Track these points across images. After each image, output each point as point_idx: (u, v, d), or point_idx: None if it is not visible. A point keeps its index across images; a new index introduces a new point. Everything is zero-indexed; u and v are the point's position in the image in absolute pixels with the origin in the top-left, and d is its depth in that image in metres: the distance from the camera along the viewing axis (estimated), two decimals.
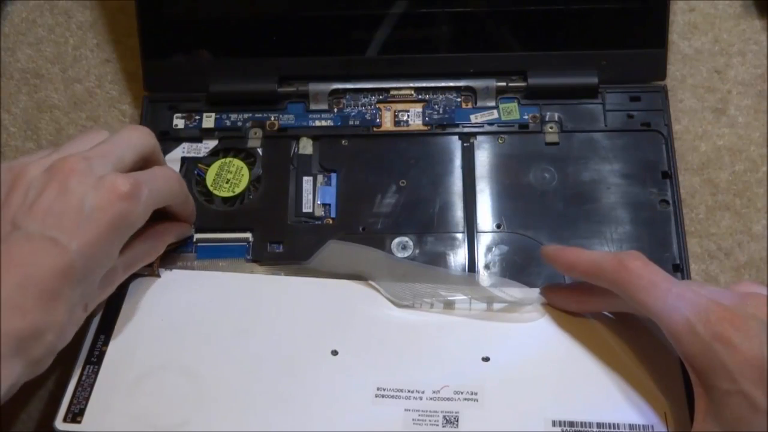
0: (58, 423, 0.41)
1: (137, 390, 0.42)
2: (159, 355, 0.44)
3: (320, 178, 0.52)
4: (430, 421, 0.41)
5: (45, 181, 0.39)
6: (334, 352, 0.44)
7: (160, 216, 0.45)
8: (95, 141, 0.42)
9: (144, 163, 0.44)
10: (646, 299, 0.38)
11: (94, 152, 0.41)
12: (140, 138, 0.43)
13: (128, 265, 0.44)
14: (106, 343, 0.44)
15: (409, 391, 0.42)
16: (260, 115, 0.54)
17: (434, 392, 0.42)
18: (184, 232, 0.48)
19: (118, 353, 0.43)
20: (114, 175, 0.40)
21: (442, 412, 0.41)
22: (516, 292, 0.45)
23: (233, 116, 0.54)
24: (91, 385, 0.42)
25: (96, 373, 0.43)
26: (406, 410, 0.41)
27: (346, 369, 0.43)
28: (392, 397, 0.42)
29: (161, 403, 0.42)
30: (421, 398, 0.42)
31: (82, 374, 0.42)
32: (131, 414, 0.41)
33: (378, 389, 0.42)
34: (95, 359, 0.43)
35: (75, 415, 0.41)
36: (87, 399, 0.42)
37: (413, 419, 0.41)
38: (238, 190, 0.51)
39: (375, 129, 0.53)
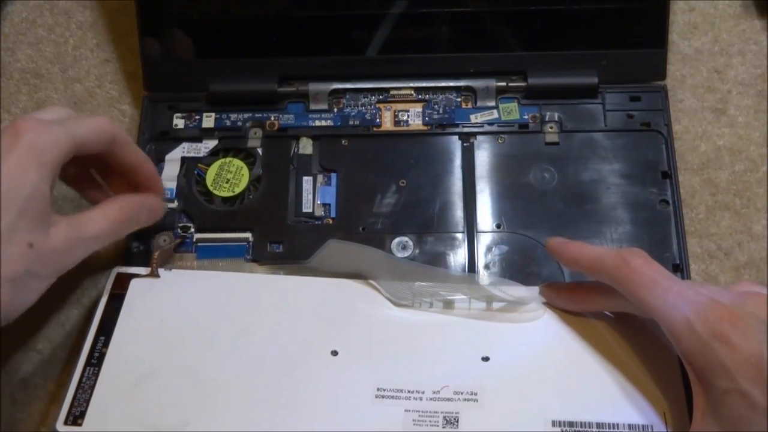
0: (59, 426, 0.41)
1: (138, 392, 0.42)
2: (159, 357, 0.44)
3: (320, 178, 0.52)
4: (430, 421, 0.41)
5: None
6: (334, 353, 0.44)
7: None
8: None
9: (106, 148, 0.44)
10: (646, 297, 0.38)
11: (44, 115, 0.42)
12: (96, 121, 0.43)
13: (78, 220, 0.43)
14: (106, 345, 0.44)
15: (409, 392, 0.42)
16: (260, 115, 0.54)
17: (434, 392, 0.42)
18: (152, 205, 0.47)
19: (119, 355, 0.43)
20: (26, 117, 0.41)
21: (442, 412, 0.41)
22: (516, 291, 0.45)
23: (233, 116, 0.54)
24: (92, 388, 0.42)
25: (96, 375, 0.42)
26: (406, 411, 0.42)
27: (346, 369, 0.43)
28: (392, 397, 0.42)
29: (162, 404, 0.42)
30: (421, 398, 0.42)
31: (82, 376, 0.42)
32: (132, 416, 0.41)
33: (378, 389, 0.42)
34: (95, 361, 0.43)
35: (76, 417, 0.41)
36: (87, 401, 0.42)
37: (413, 420, 0.41)
38: (238, 190, 0.51)
39: (375, 129, 0.53)
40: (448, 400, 0.42)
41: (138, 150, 0.46)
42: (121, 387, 0.42)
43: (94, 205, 0.45)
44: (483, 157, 0.52)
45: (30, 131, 0.40)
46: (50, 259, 0.41)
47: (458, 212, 0.50)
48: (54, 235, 0.41)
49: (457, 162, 0.52)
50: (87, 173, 0.47)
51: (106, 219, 0.44)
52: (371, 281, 0.46)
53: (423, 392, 0.42)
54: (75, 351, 0.43)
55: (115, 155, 0.45)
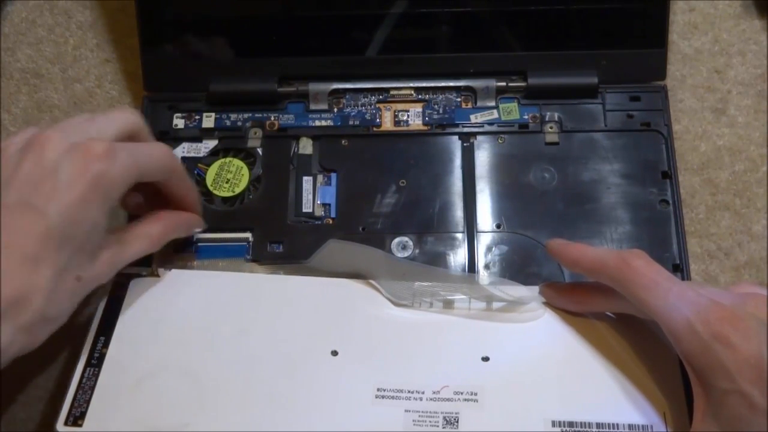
0: (59, 426, 0.41)
1: (138, 392, 0.42)
2: (159, 357, 0.43)
3: (320, 178, 0.52)
4: (430, 422, 0.41)
5: (22, 154, 0.39)
6: (334, 353, 0.44)
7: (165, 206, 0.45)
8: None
9: (129, 140, 0.43)
10: (646, 298, 0.38)
11: (70, 125, 0.41)
12: (123, 114, 0.43)
13: (123, 242, 0.42)
14: (106, 345, 0.44)
15: (409, 392, 0.42)
16: (260, 115, 0.54)
17: (434, 393, 0.42)
18: (191, 223, 0.47)
19: (119, 355, 0.43)
20: (89, 139, 0.40)
21: (442, 412, 0.41)
22: (515, 291, 0.45)
23: (233, 116, 0.54)
24: (92, 388, 0.42)
25: (96, 376, 0.42)
26: (406, 411, 0.41)
27: (346, 369, 0.43)
28: (392, 397, 0.42)
29: (162, 404, 0.42)
30: (421, 399, 0.42)
31: (82, 377, 0.42)
32: (132, 416, 0.41)
33: (378, 390, 0.42)
34: (95, 361, 0.43)
35: (76, 418, 0.41)
36: (88, 402, 0.42)
37: (413, 420, 0.41)
38: (238, 190, 0.51)
39: (375, 129, 0.53)
40: (448, 400, 0.42)
41: (190, 181, 0.46)
42: (122, 387, 0.42)
43: (136, 221, 0.44)
44: (483, 157, 0.52)
45: (100, 161, 0.39)
46: (90, 286, 0.41)
47: (458, 212, 0.50)
48: (99, 262, 0.41)
49: (457, 162, 0.52)
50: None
51: (149, 239, 0.44)
52: (371, 281, 0.46)
53: (423, 392, 0.42)
54: (75, 351, 0.43)
55: (168, 185, 0.44)
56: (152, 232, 0.44)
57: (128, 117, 0.43)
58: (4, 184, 0.38)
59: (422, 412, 0.41)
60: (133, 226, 0.44)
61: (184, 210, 0.46)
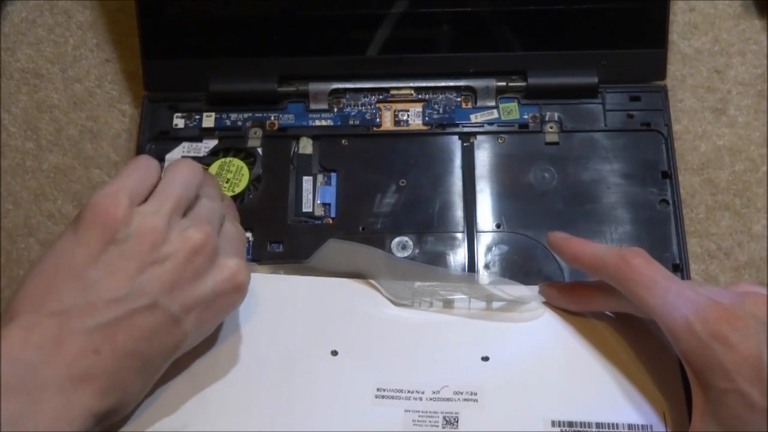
0: None
1: None
2: None
3: (320, 177, 0.52)
4: (430, 422, 0.41)
5: (181, 257, 0.37)
6: (334, 353, 0.44)
7: None
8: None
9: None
10: (645, 296, 0.38)
11: (210, 216, 0.40)
12: (202, 181, 0.42)
13: None
14: None
15: (409, 392, 0.42)
16: (260, 115, 0.54)
17: (434, 392, 0.42)
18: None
19: None
20: (233, 261, 0.40)
21: (441, 412, 0.41)
22: (515, 290, 0.45)
23: (233, 116, 0.54)
24: None
25: None
26: (406, 411, 0.42)
27: (346, 369, 0.43)
28: (392, 397, 0.42)
29: (161, 405, 0.42)
30: (421, 399, 0.42)
31: None
32: (132, 417, 0.41)
33: (378, 390, 0.42)
34: None
35: None
36: None
37: (413, 420, 0.41)
38: (238, 190, 0.51)
39: (375, 129, 0.53)
40: (448, 400, 0.42)
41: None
42: None
43: None
44: (483, 157, 0.52)
45: (242, 294, 0.40)
46: None
47: (458, 212, 0.50)
48: None
49: (457, 162, 0.52)
50: None
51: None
52: (371, 281, 0.46)
53: (423, 392, 0.42)
54: None
55: None
56: None
57: (199, 178, 0.42)
58: (166, 288, 0.37)
59: (422, 412, 0.41)
60: None
61: None
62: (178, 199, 0.39)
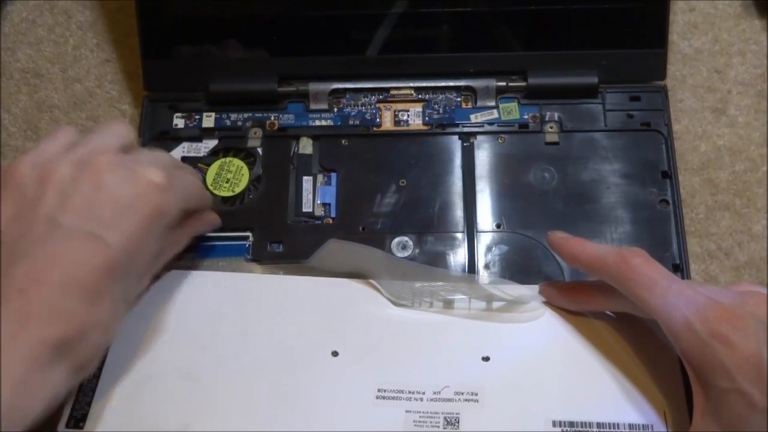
0: (61, 428, 0.41)
1: (138, 393, 0.42)
2: (159, 358, 0.43)
3: (320, 177, 0.52)
4: (431, 422, 0.41)
5: (77, 176, 0.38)
6: (335, 353, 0.44)
7: None
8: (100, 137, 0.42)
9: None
10: (645, 296, 0.38)
11: (76, 142, 0.40)
12: (122, 129, 0.42)
13: (160, 256, 0.42)
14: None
15: (409, 392, 0.42)
16: (260, 115, 0.54)
17: (435, 393, 0.42)
18: (212, 221, 0.47)
19: (119, 357, 0.43)
20: (147, 166, 0.39)
21: (442, 413, 0.41)
22: (515, 291, 0.45)
23: (233, 116, 0.54)
24: (93, 390, 0.42)
25: (97, 378, 0.42)
26: (407, 412, 0.41)
27: (346, 370, 0.43)
28: (393, 398, 0.42)
29: (163, 406, 0.42)
30: (421, 399, 0.42)
31: (83, 379, 0.42)
32: (133, 418, 0.41)
33: (379, 390, 0.42)
34: None
35: (77, 420, 0.41)
36: (89, 404, 0.41)
37: (414, 421, 0.41)
38: (238, 190, 0.51)
39: (375, 129, 0.53)
40: (449, 400, 0.42)
41: (210, 200, 0.47)
42: (122, 389, 0.42)
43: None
44: (483, 156, 0.52)
45: (161, 192, 0.39)
46: (134, 304, 0.42)
47: (458, 212, 0.50)
48: (144, 280, 0.41)
49: (457, 162, 0.52)
50: None
51: (179, 245, 0.44)
52: (371, 281, 0.46)
53: (423, 393, 0.42)
54: None
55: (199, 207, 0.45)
56: (181, 241, 0.44)
57: (127, 131, 0.42)
58: (62, 206, 0.37)
59: (423, 412, 0.41)
60: (168, 236, 0.43)
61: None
62: (67, 144, 0.40)
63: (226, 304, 0.46)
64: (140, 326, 0.44)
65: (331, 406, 0.42)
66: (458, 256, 0.49)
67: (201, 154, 0.52)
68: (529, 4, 0.53)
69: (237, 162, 0.52)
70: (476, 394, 0.42)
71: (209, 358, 0.43)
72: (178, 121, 0.54)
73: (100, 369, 0.43)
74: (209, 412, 0.42)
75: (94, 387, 0.42)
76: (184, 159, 0.52)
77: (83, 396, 0.42)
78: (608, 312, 0.44)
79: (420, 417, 0.41)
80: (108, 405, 0.42)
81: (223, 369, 0.43)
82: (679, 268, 0.48)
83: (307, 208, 0.51)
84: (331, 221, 0.50)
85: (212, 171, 0.51)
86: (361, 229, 0.50)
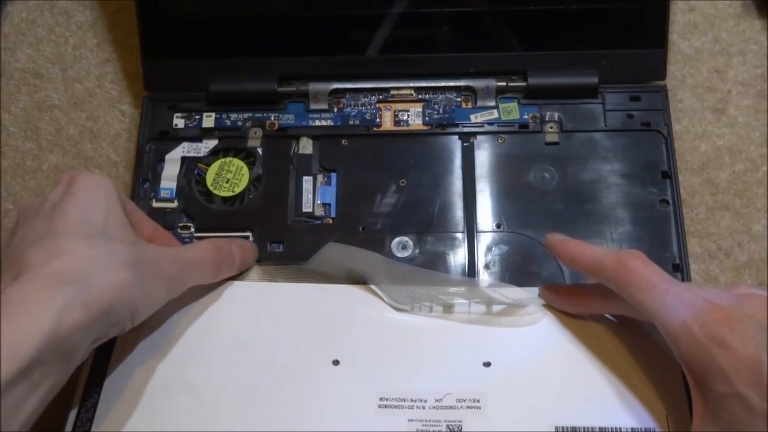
0: None
1: (140, 406, 0.42)
2: (160, 369, 0.43)
3: (320, 177, 0.52)
4: (433, 430, 0.41)
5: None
6: (336, 362, 0.44)
7: None
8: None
9: None
10: (644, 299, 0.38)
11: None
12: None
13: (168, 248, 0.43)
14: (107, 362, 0.43)
15: (412, 400, 0.42)
16: (260, 115, 0.54)
17: (437, 400, 0.42)
18: (242, 245, 0.48)
19: (119, 370, 0.43)
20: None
21: (445, 421, 0.41)
22: (515, 294, 0.45)
23: (233, 116, 0.54)
24: (94, 406, 0.42)
25: (98, 393, 0.42)
26: (409, 420, 0.41)
27: (348, 379, 0.43)
28: (395, 407, 0.42)
29: (164, 417, 0.41)
30: (424, 407, 0.42)
31: (84, 395, 0.42)
32: (131, 428, 0.41)
33: (381, 399, 0.42)
34: (96, 378, 0.43)
35: None
36: (91, 420, 0.41)
37: (417, 430, 0.41)
38: (238, 190, 0.51)
39: (375, 129, 0.53)
40: (451, 408, 0.41)
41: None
42: (123, 403, 0.42)
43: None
44: (483, 157, 0.52)
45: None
46: (154, 268, 0.40)
47: (458, 212, 0.50)
48: (151, 247, 0.41)
49: (457, 162, 0.52)
50: None
51: (200, 248, 0.44)
52: (371, 286, 0.46)
53: (426, 400, 0.42)
54: (78, 368, 0.42)
55: None
56: (198, 246, 0.45)
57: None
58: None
59: (425, 420, 0.41)
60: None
61: None
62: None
63: (226, 314, 0.45)
64: (140, 338, 0.44)
65: (334, 416, 0.41)
66: (458, 257, 0.49)
67: (201, 154, 0.52)
68: (529, 4, 0.53)
69: (237, 162, 0.52)
70: (478, 401, 0.41)
71: (209, 369, 0.43)
72: (178, 121, 0.54)
73: (101, 384, 0.42)
74: (209, 423, 0.41)
75: (95, 402, 0.42)
76: (184, 159, 0.52)
77: (84, 412, 0.41)
78: (608, 315, 0.44)
79: (422, 425, 0.41)
80: (110, 420, 0.41)
81: (224, 379, 0.43)
82: (679, 268, 0.48)
83: (307, 208, 0.51)
84: (331, 221, 0.50)
85: (212, 171, 0.51)
86: (361, 229, 0.50)
